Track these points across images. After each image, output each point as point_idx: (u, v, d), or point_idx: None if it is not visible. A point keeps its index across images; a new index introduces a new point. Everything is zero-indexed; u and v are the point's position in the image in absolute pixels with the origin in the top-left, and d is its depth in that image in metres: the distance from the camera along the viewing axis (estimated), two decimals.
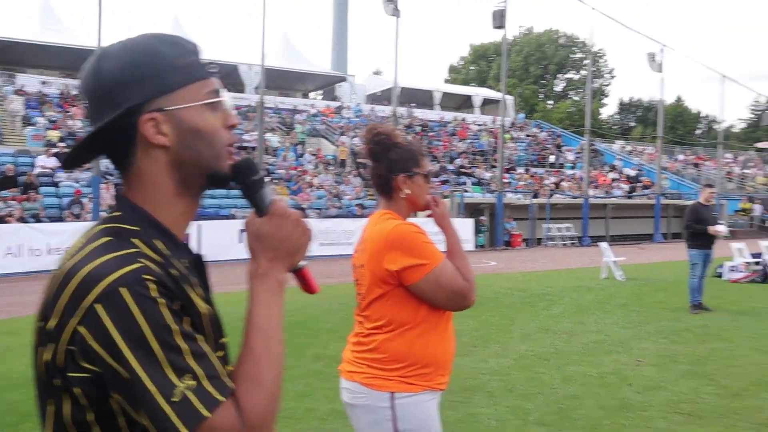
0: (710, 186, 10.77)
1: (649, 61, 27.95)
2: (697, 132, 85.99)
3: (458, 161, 30.79)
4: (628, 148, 45.99)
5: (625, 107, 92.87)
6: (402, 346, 2.29)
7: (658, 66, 28.05)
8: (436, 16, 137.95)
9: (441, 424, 2.45)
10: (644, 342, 8.12)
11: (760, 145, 49.39)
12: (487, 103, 42.56)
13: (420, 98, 41.04)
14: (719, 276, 14.91)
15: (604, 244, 15.36)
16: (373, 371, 2.30)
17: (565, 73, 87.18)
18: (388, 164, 2.43)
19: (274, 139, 27.62)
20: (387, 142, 2.44)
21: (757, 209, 34.23)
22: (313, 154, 27.69)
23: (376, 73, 61.75)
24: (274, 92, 36.39)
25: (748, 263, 14.69)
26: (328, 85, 42.07)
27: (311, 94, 43.74)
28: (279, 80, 37.08)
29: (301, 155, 27.47)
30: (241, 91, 34.07)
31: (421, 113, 37.39)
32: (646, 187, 33.36)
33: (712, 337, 8.41)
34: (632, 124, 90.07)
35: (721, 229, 9.97)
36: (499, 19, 23.45)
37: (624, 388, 6.07)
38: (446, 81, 78.87)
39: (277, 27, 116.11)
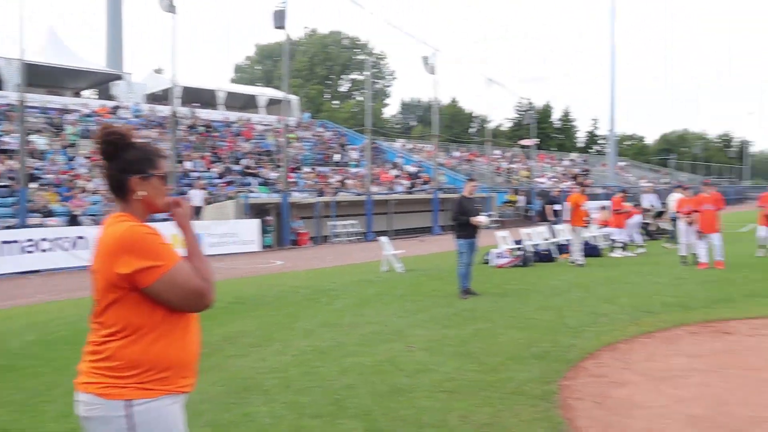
0: (472, 180, 11.65)
1: (424, 63, 29.56)
2: (471, 130, 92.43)
3: (244, 162, 30.44)
4: (409, 146, 48.35)
5: (406, 107, 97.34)
6: (137, 352, 2.23)
7: (431, 69, 29.74)
8: (221, 14, 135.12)
9: (185, 427, 2.42)
10: (418, 329, 8.59)
11: (523, 142, 54.12)
12: (272, 103, 42.47)
13: (203, 98, 39.98)
14: (487, 263, 16.19)
15: (383, 239, 16.03)
16: (107, 380, 2.22)
17: (349, 74, 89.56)
18: (122, 165, 2.36)
19: (40, 141, 25.43)
20: (120, 143, 2.37)
21: (522, 200, 37.64)
22: (87, 157, 25.89)
23: (157, 71, 59.09)
24: (40, 90, 33.47)
25: (512, 249, 16.11)
26: (102, 83, 39.53)
27: (84, 93, 40.86)
28: (45, 77, 34.20)
29: (73, 158, 25.58)
30: None
31: (205, 113, 36.43)
32: (425, 183, 35.24)
33: (477, 319, 9.12)
34: (413, 123, 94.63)
35: (483, 219, 10.85)
36: (280, 20, 23.50)
37: (396, 374, 6.39)
38: (232, 81, 77.63)
39: (42, 20, 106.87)
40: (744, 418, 5.02)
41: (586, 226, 16.25)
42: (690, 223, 14.54)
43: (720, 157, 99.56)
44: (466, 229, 10.91)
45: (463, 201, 11.07)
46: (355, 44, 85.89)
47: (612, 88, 42.61)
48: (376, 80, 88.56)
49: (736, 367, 6.45)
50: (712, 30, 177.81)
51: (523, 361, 6.73)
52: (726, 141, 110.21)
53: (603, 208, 21.55)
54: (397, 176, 35.67)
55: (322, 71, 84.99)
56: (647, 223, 23.58)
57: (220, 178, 27.40)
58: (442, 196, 32.19)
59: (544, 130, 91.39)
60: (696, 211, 14.29)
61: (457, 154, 48.19)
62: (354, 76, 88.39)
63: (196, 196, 23.75)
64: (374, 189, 30.63)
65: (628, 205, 18.94)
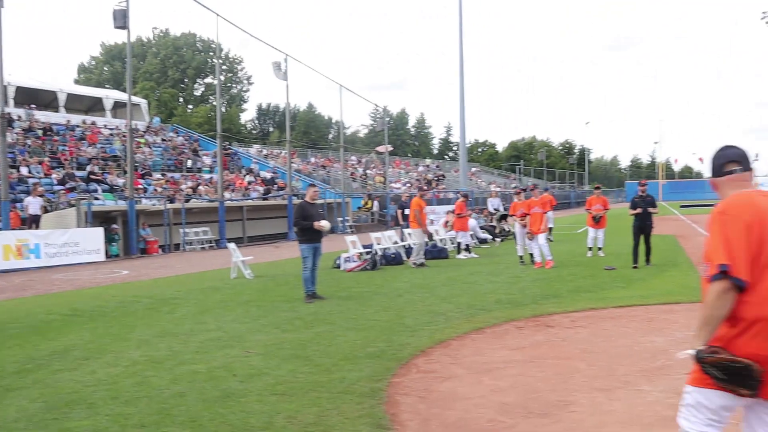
0: (314, 186, 11.78)
1: (275, 69, 29.41)
2: (330, 137, 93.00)
3: (88, 167, 28.92)
4: (265, 151, 47.94)
5: (263, 113, 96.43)
6: None
7: (283, 74, 29.66)
8: (62, 10, 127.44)
9: None
10: (258, 334, 8.56)
11: (379, 148, 55.19)
12: (119, 105, 40.58)
13: (43, 99, 37.63)
14: (338, 267, 16.38)
15: (232, 245, 15.82)
16: None
17: (204, 78, 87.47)
18: None
19: None
20: None
21: (376, 205, 38.32)
22: None
23: None
24: None
25: (360, 254, 16.40)
26: None
27: None
28: None
29: None
30: None
31: (44, 116, 34.29)
32: (280, 189, 35.07)
33: (319, 322, 9.22)
34: (271, 129, 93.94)
35: (324, 224, 10.98)
36: (121, 19, 22.57)
37: (229, 380, 6.34)
38: (76, 82, 73.59)
39: None
40: (551, 403, 5.44)
41: (426, 229, 16.91)
42: (524, 226, 15.49)
43: (563, 163, 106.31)
44: (308, 234, 11.01)
45: (305, 206, 11.17)
46: (209, 47, 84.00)
47: (461, 96, 44.10)
48: (231, 84, 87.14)
49: (551, 357, 6.96)
50: (551, 43, 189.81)
51: (356, 361, 6.89)
52: (568, 148, 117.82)
53: (449, 212, 22.40)
54: (251, 182, 35.25)
55: (176, 74, 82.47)
56: (493, 226, 24.82)
57: (60, 184, 25.87)
58: (297, 202, 32.16)
59: (400, 137, 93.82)
60: (527, 214, 15.25)
61: (313, 160, 48.32)
62: (209, 80, 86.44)
63: (32, 204, 22.32)
64: (228, 195, 30.12)
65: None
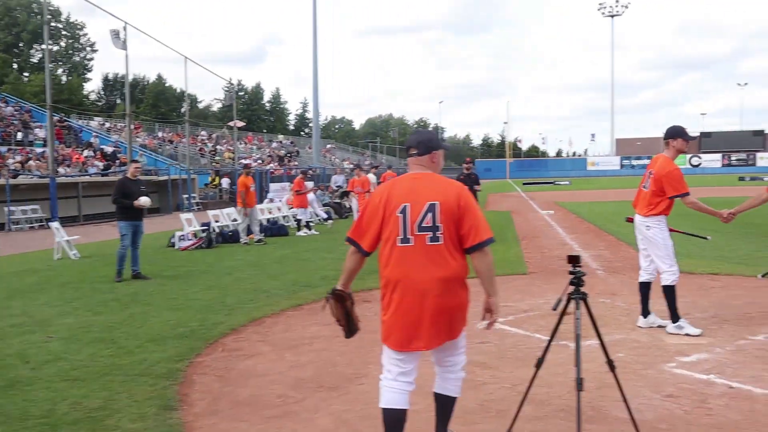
0: (136, 161, 11.42)
1: (113, 38, 27.84)
2: (183, 110, 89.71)
3: None
4: (108, 125, 45.56)
5: (109, 83, 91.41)
6: None
7: (122, 44, 28.15)
8: None
9: None
10: (68, 317, 8.19)
11: (231, 123, 53.93)
12: None
13: None
14: (172, 245, 15.94)
15: (55, 224, 14.96)
16: None
17: (42, 44, 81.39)
18: None
19: None
20: None
21: (225, 182, 37.46)
22: None
23: None
24: None
25: (195, 232, 16.04)
26: None
27: None
28: None
29: None
30: None
31: None
32: (123, 164, 33.44)
33: (136, 303, 8.96)
34: (118, 101, 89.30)
35: (144, 202, 10.66)
36: None
37: (20, 368, 6.03)
38: None
39: None
40: (344, 376, 5.62)
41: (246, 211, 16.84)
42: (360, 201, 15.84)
43: None
44: (128, 212, 10.67)
45: (126, 182, 10.81)
46: (47, 10, 78.19)
47: (314, 71, 43.91)
48: (72, 52, 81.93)
49: (359, 332, 7.15)
50: (407, 20, 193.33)
51: (163, 342, 6.77)
52: (422, 126, 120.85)
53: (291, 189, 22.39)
54: (89, 157, 33.40)
55: (8, 38, 76.21)
56: (338, 203, 25.08)
57: None
58: (142, 178, 30.84)
59: (255, 112, 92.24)
60: (368, 192, 15.61)
61: (160, 134, 46.51)
62: (49, 46, 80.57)
63: None
64: (62, 171, 28.38)
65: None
